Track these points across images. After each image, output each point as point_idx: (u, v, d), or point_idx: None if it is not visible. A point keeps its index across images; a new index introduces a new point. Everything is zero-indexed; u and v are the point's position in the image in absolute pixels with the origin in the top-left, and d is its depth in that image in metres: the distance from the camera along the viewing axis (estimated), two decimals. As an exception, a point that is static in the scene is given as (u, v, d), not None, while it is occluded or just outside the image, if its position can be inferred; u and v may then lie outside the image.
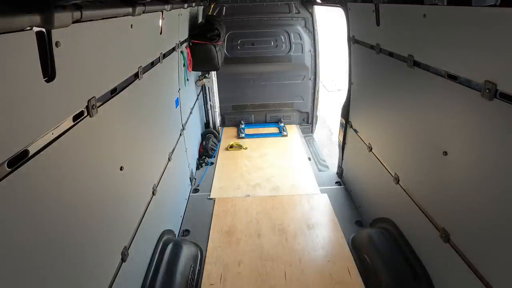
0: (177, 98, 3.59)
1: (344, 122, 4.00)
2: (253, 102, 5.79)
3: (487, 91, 1.51)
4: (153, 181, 2.59)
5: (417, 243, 2.37)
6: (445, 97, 1.91)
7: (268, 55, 5.39)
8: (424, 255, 2.27)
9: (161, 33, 2.83)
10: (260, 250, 2.97)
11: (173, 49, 3.37)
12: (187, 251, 2.75)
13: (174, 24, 3.36)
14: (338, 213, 3.48)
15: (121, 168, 1.94)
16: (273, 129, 5.75)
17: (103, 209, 1.72)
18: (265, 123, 5.93)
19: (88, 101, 1.55)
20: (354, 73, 3.68)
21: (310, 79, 5.58)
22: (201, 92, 5.34)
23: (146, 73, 2.44)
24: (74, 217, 1.42)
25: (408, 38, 2.32)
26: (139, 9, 2.03)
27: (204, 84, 5.20)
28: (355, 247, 2.92)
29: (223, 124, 5.88)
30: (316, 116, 5.89)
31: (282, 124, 5.76)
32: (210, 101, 5.39)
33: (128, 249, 1.98)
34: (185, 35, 3.93)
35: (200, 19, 4.86)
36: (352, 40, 3.53)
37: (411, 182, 2.45)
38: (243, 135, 5.49)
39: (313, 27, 5.33)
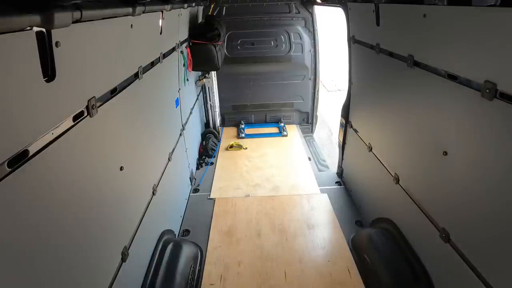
0: (177, 98, 3.59)
1: (344, 122, 4.00)
2: (253, 102, 5.79)
3: (487, 91, 1.51)
4: (153, 181, 2.59)
5: (417, 243, 2.37)
6: (445, 97, 1.91)
7: (268, 55, 5.39)
8: (424, 255, 2.27)
9: (161, 33, 2.83)
10: (260, 250, 2.97)
11: (173, 49, 3.37)
12: (187, 251, 2.75)
13: (174, 24, 3.36)
14: (338, 213, 3.48)
15: (121, 168, 1.94)
16: (273, 129, 5.75)
17: (103, 209, 1.72)
18: (265, 123, 5.93)
19: (88, 101, 1.55)
20: (354, 73, 3.68)
21: (310, 79, 5.58)
22: (201, 92, 5.34)
23: (146, 73, 2.44)
24: (74, 217, 1.42)
25: (408, 38, 2.32)
26: (139, 9, 2.03)
27: (204, 84, 5.20)
28: (355, 247, 2.92)
29: (223, 124, 5.88)
30: (316, 116, 5.89)
31: (282, 124, 5.76)
32: (210, 101, 5.39)
33: (128, 249, 1.98)
34: (185, 35, 3.93)
35: (200, 19, 4.86)
36: (352, 40, 3.53)
37: (411, 182, 2.44)
38: (243, 135, 5.49)
39: (313, 27, 5.33)
